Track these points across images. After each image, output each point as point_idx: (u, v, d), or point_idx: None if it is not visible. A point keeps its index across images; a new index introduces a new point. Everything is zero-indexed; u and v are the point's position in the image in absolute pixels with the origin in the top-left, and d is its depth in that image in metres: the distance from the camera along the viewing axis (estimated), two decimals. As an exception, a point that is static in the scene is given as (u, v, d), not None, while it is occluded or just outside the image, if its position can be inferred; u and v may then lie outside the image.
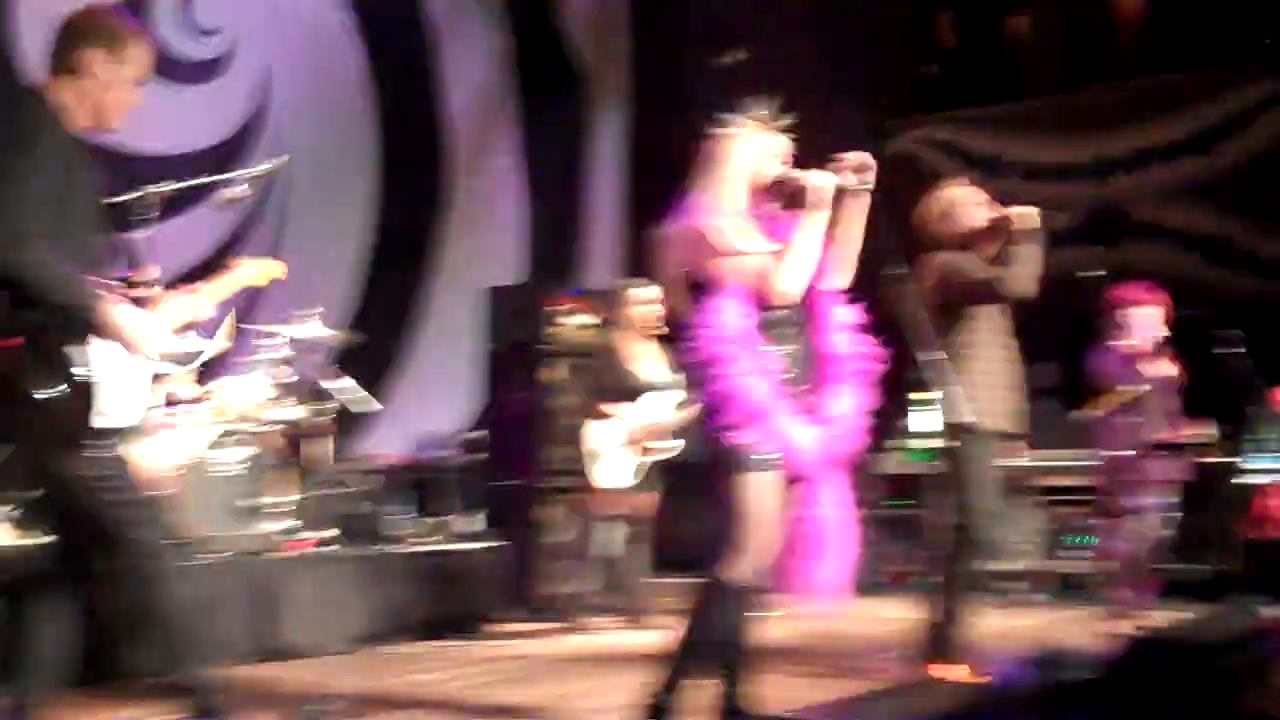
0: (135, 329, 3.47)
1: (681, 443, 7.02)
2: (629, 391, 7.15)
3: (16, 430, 3.43)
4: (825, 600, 4.18)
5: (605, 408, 7.09)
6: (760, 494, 3.94)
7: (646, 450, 7.11)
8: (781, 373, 4.00)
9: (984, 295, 5.36)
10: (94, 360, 3.39)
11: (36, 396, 3.30)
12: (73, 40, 3.61)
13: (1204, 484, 7.13)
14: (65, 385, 3.34)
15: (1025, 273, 5.27)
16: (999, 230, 5.39)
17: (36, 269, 3.28)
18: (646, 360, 7.29)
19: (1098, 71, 10.59)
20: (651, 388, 7.17)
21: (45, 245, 3.30)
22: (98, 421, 3.38)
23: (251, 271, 4.18)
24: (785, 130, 4.15)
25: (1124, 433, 6.12)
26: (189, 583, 5.33)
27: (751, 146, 4.11)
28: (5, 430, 3.45)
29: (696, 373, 4.02)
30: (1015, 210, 5.37)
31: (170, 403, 6.45)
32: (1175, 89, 10.00)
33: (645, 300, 7.18)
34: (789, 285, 4.00)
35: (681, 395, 7.00)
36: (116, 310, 3.45)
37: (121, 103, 3.67)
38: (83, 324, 3.38)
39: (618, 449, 7.07)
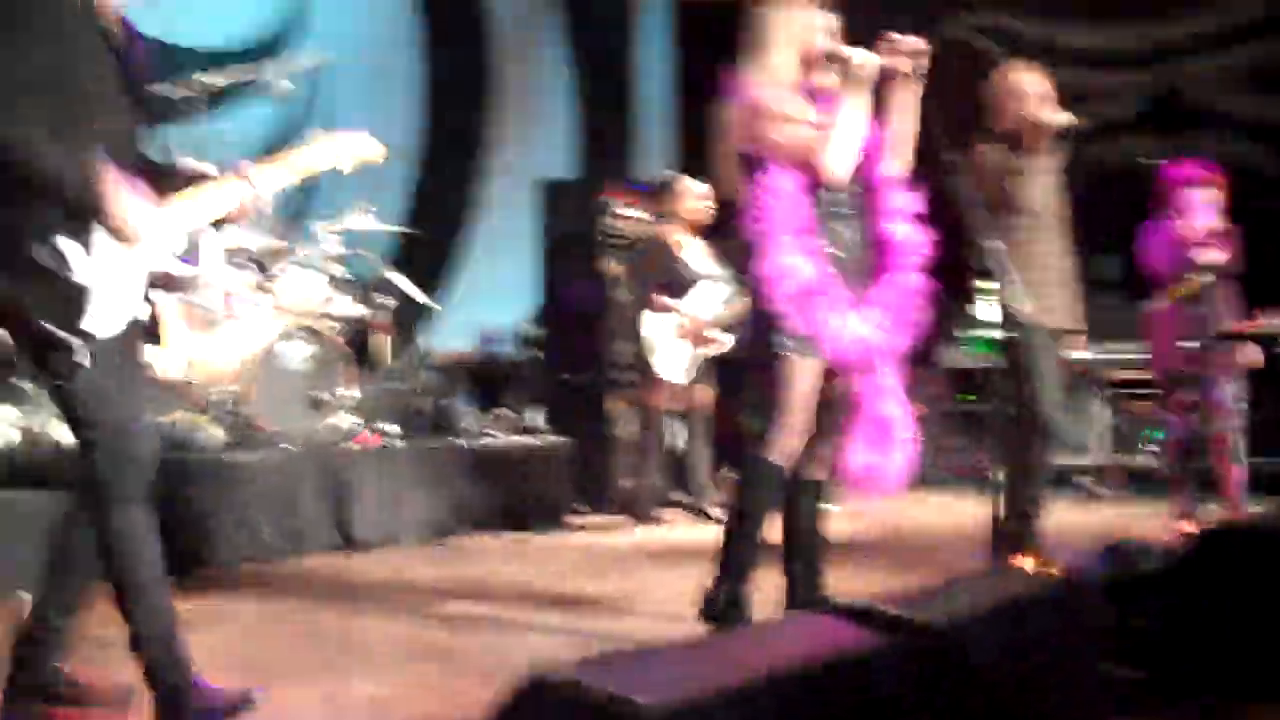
0: (135, 221, 3.04)
1: (733, 336, 7.04)
2: (682, 284, 7.18)
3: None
4: (889, 494, 4.19)
5: (659, 301, 7.11)
6: (797, 377, 3.94)
7: (701, 343, 7.14)
8: (833, 256, 3.97)
9: (1002, 201, 5.30)
10: (91, 254, 3.01)
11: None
12: None
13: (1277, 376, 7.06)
14: (43, 281, 2.98)
15: (1034, 187, 5.24)
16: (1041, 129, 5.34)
17: (25, 147, 2.93)
18: (697, 254, 7.30)
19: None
20: (703, 280, 7.19)
21: (38, 121, 2.94)
22: (84, 323, 2.99)
23: (331, 152, 3.52)
24: (830, 5, 4.09)
25: (1186, 324, 6.04)
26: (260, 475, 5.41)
27: (798, 20, 4.06)
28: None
29: (746, 252, 4.00)
30: (1044, 115, 5.28)
31: (230, 298, 6.48)
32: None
33: (696, 194, 7.20)
34: (836, 163, 3.94)
35: (731, 288, 7.02)
36: (120, 197, 3.02)
37: None
38: (78, 210, 2.99)
39: (674, 342, 7.10)
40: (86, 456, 3.13)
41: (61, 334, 3.00)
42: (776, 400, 3.96)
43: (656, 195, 7.73)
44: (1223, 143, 9.06)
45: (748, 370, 4.18)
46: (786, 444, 3.99)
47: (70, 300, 3.00)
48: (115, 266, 3.07)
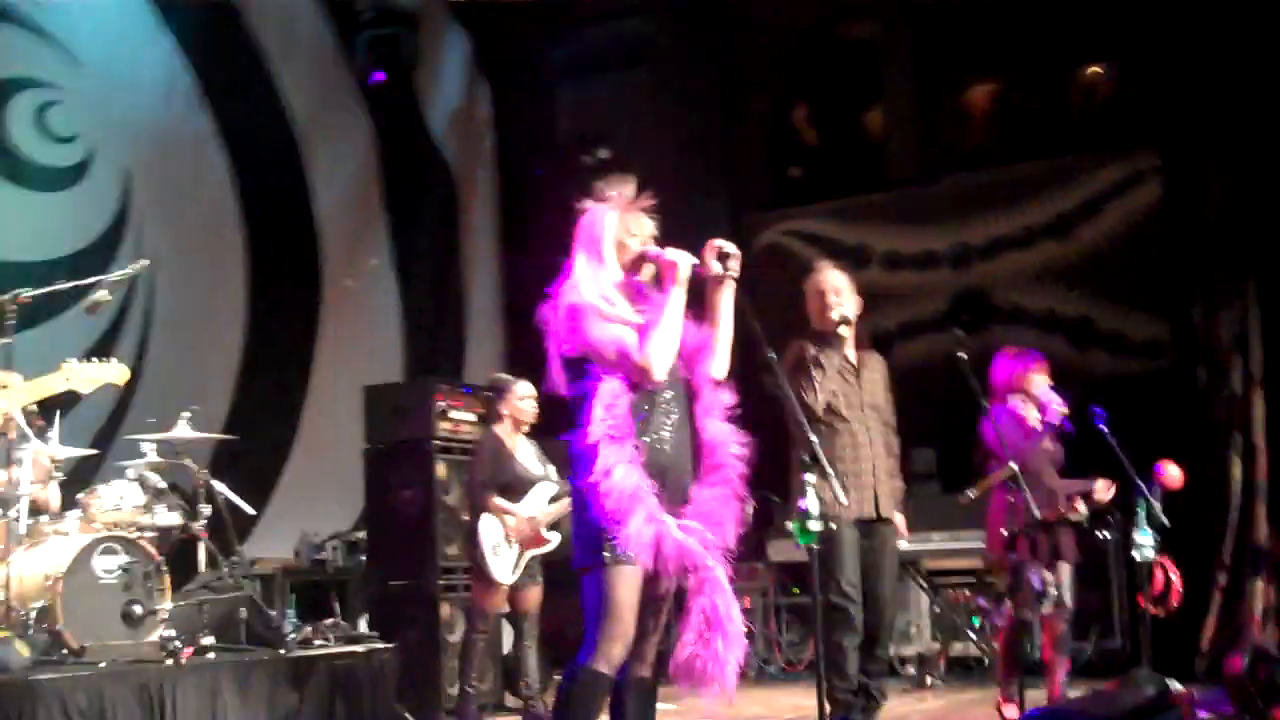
0: None
1: (559, 536, 7.03)
2: (510, 486, 7.15)
3: None
4: (719, 689, 4.15)
5: (489, 503, 7.07)
6: (620, 585, 3.93)
7: (531, 544, 7.10)
8: (654, 456, 4.00)
9: (817, 395, 5.59)
10: None
11: None
12: None
13: (1094, 561, 7.24)
14: None
15: (843, 381, 5.68)
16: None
17: None
18: (526, 453, 7.31)
19: (954, 162, 10.87)
20: (530, 481, 7.18)
21: None
22: None
23: (75, 376, 3.66)
24: (647, 210, 4.22)
25: (1006, 511, 6.18)
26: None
27: (619, 223, 4.17)
28: None
29: (568, 456, 4.03)
30: (844, 310, 5.65)
31: (39, 512, 6.28)
32: (1030, 176, 10.31)
33: (522, 394, 7.24)
34: (655, 362, 4.00)
35: (557, 488, 7.05)
36: None
37: None
38: None
39: (503, 544, 7.05)
40: None
41: None
42: (600, 608, 3.95)
43: (485, 397, 7.76)
44: (1022, 335, 9.46)
45: (572, 576, 4.15)
46: (611, 651, 3.96)
47: None
48: None
